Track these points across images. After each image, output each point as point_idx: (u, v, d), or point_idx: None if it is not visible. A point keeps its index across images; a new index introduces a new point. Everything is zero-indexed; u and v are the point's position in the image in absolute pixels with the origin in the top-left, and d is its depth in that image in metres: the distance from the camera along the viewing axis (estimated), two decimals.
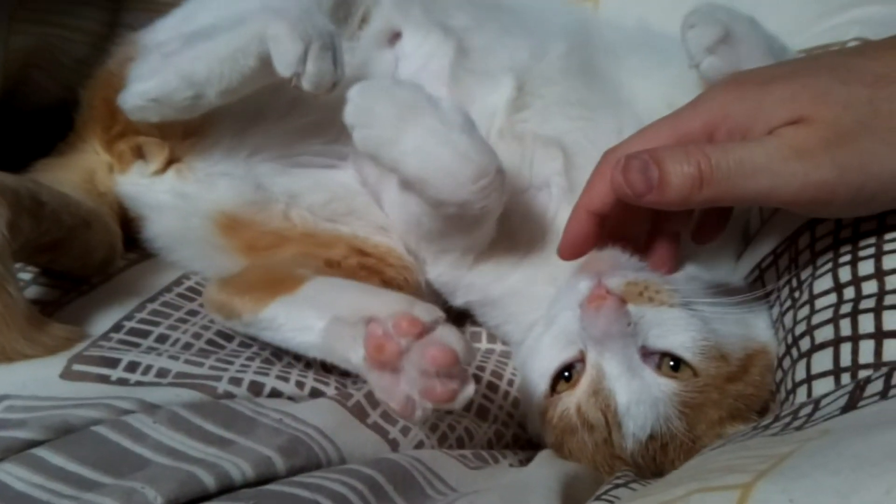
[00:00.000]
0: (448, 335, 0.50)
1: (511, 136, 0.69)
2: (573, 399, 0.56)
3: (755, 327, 0.59)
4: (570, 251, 0.59)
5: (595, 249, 0.59)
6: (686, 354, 0.54)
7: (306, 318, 0.59)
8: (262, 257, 0.68)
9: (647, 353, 0.55)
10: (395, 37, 0.74)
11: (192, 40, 0.63)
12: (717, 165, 0.49)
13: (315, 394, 0.58)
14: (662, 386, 0.54)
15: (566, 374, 0.57)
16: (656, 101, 0.67)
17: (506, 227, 0.65)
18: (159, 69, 0.62)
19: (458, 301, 0.70)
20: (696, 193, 0.49)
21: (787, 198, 0.49)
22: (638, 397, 0.53)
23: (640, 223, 0.60)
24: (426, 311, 0.52)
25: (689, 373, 0.54)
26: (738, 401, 0.55)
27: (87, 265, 0.65)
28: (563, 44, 0.73)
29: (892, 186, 0.48)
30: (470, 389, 0.50)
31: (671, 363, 0.54)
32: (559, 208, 0.67)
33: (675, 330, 0.54)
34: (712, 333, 0.55)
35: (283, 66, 0.59)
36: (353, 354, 0.55)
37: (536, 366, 0.59)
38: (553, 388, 0.57)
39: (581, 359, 0.56)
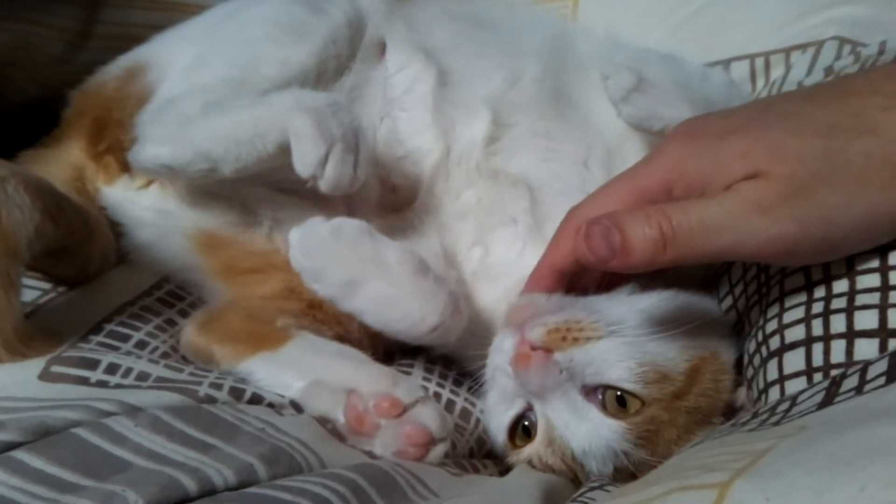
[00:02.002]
0: (425, 414, 0.55)
1: (487, 171, 0.71)
2: (533, 450, 0.56)
3: (699, 336, 0.58)
4: None
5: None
6: (626, 385, 0.54)
7: (286, 378, 0.59)
8: (241, 283, 0.67)
9: (589, 391, 0.55)
10: (383, 49, 0.74)
11: (209, 110, 0.61)
12: (678, 226, 0.49)
13: (294, 403, 0.58)
14: (611, 427, 0.53)
15: (525, 423, 0.57)
16: (620, 122, 0.67)
17: (474, 256, 0.67)
18: (175, 138, 0.61)
19: None
20: (661, 255, 0.49)
21: (750, 253, 0.50)
22: (591, 440, 0.53)
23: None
24: (407, 392, 0.56)
25: (637, 402, 0.54)
26: (693, 414, 0.55)
27: (84, 273, 0.64)
28: (538, 65, 0.73)
29: (855, 235, 0.49)
30: (441, 449, 0.54)
31: (617, 393, 0.54)
32: (525, 244, 0.68)
33: (607, 364, 0.54)
34: (647, 355, 0.54)
35: (302, 166, 0.58)
36: (331, 413, 0.56)
37: (491, 420, 0.59)
38: (512, 438, 0.58)
39: (531, 408, 0.57)
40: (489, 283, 0.68)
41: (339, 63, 0.70)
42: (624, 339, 0.55)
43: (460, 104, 0.72)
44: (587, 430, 0.54)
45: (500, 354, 0.57)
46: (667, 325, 0.56)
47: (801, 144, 0.48)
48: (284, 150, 0.59)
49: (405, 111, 0.72)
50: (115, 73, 0.72)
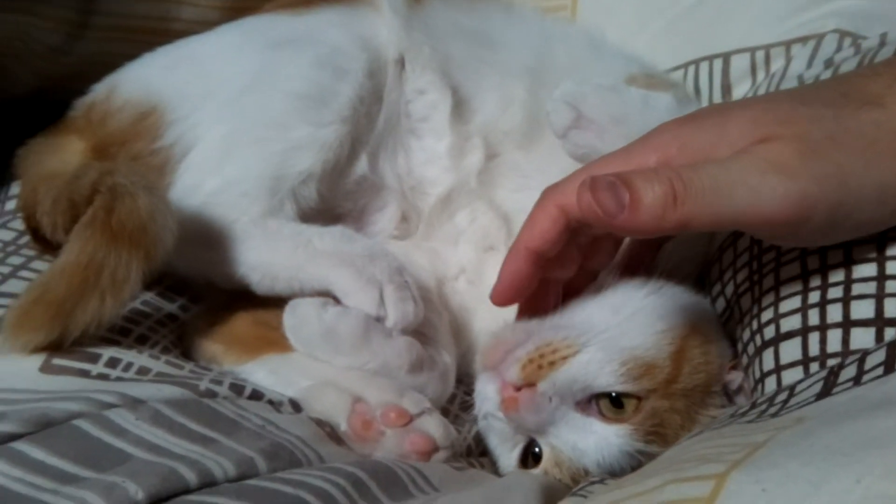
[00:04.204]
0: (429, 423, 0.56)
1: (478, 198, 0.72)
2: (540, 470, 0.55)
3: (672, 311, 0.57)
4: (506, 295, 0.56)
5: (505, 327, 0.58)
6: (616, 388, 0.53)
7: (292, 377, 0.59)
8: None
9: (583, 406, 0.54)
10: (402, 64, 0.74)
11: (249, 232, 0.63)
12: (689, 182, 0.46)
13: (293, 402, 0.58)
14: (618, 432, 0.53)
15: (535, 449, 0.56)
16: None
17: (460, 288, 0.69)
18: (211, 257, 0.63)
19: None
20: (671, 213, 0.46)
21: (765, 215, 0.46)
22: (602, 452, 0.53)
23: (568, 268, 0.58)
24: (414, 403, 0.57)
25: (633, 401, 0.53)
26: (691, 395, 0.55)
27: None
28: (524, 88, 0.73)
29: (867, 204, 0.47)
30: (443, 455, 0.55)
31: (612, 395, 0.53)
32: None
33: (591, 375, 0.53)
34: (625, 351, 0.54)
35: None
36: (332, 417, 0.56)
37: (500, 461, 0.59)
38: (524, 464, 0.57)
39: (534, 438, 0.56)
40: (481, 309, 0.68)
41: (369, 118, 0.71)
42: (597, 345, 0.54)
43: (464, 133, 0.72)
44: (595, 443, 0.53)
45: (487, 402, 0.57)
46: (635, 315, 0.56)
47: (809, 111, 0.47)
48: (322, 291, 0.61)
49: (419, 139, 0.73)
50: (123, 105, 0.70)
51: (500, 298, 0.56)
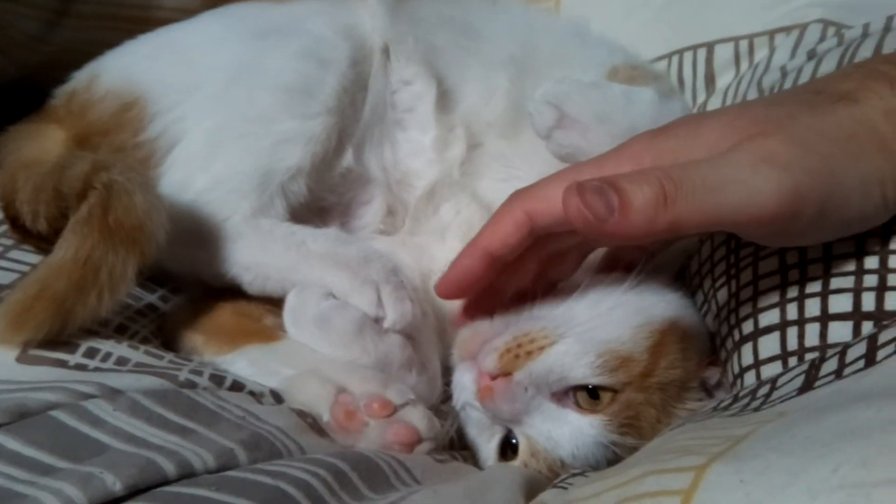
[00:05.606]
0: (413, 414, 0.55)
1: (460, 189, 0.72)
2: (519, 461, 0.56)
3: (651, 306, 0.57)
4: (451, 289, 0.55)
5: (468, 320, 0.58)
6: (592, 380, 0.53)
7: (274, 366, 0.59)
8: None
9: (560, 397, 0.54)
10: (388, 53, 0.73)
11: (242, 231, 0.62)
12: (680, 181, 0.44)
13: (274, 393, 0.58)
14: (592, 423, 0.53)
15: (513, 440, 0.57)
16: None
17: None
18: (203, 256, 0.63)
19: None
20: (662, 214, 0.44)
21: (759, 211, 0.45)
22: (576, 443, 0.53)
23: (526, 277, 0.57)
24: (398, 394, 0.56)
25: (609, 393, 0.54)
26: (668, 388, 0.55)
27: None
28: (507, 78, 0.73)
29: (852, 197, 0.46)
30: (426, 447, 0.55)
31: (588, 387, 0.54)
32: None
33: (567, 366, 0.53)
34: (602, 344, 0.54)
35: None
36: (314, 408, 0.56)
37: (479, 452, 0.59)
38: (503, 455, 0.58)
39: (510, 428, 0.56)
40: None
41: (354, 108, 0.70)
42: (575, 336, 0.54)
43: (448, 124, 0.72)
44: (570, 433, 0.53)
45: (464, 391, 0.57)
46: (614, 309, 0.56)
47: (785, 110, 0.47)
48: None
49: (404, 130, 0.73)
50: (105, 95, 0.69)
51: (444, 291, 0.56)
